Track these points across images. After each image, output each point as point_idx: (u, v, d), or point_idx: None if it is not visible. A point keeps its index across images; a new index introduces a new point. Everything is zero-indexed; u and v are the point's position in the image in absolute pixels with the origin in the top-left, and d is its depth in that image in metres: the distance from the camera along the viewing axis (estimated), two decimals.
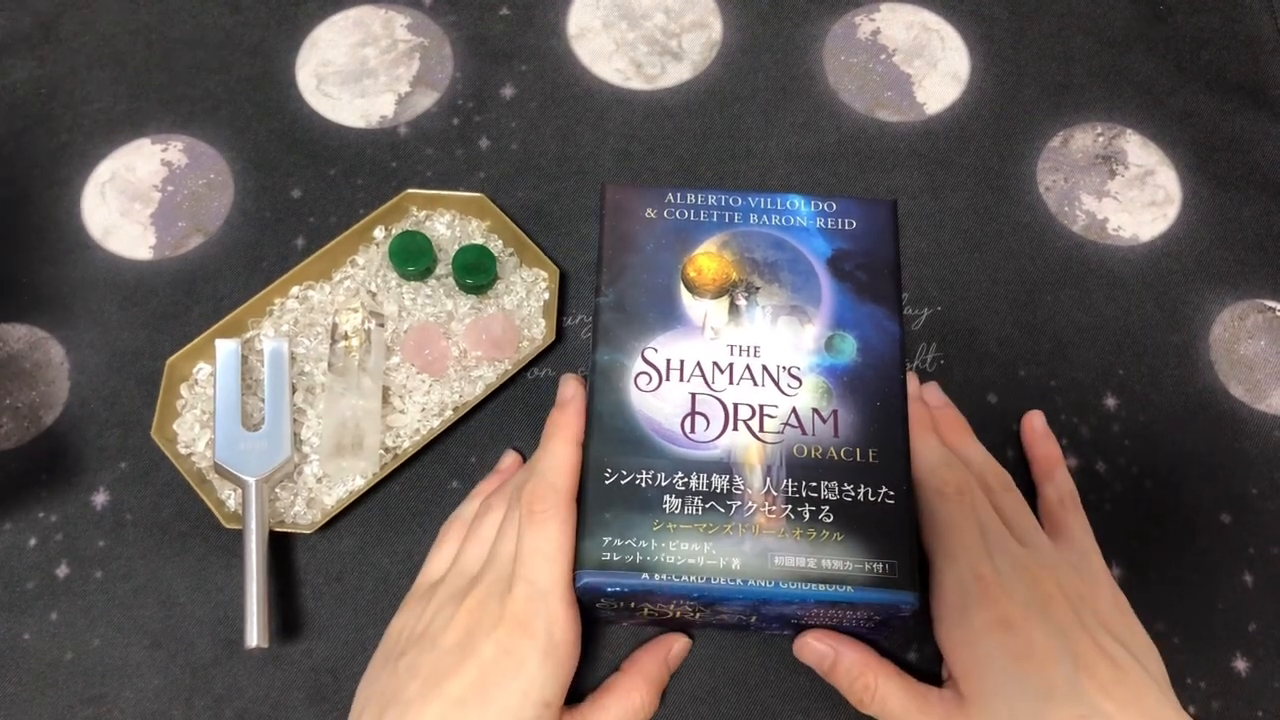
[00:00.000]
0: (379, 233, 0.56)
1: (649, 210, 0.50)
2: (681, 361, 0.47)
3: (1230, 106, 0.62)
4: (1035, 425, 0.52)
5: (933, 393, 0.52)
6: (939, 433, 0.48)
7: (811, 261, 0.49)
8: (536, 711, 0.39)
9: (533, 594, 0.40)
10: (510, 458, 0.51)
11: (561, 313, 0.55)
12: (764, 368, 0.47)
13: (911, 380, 0.50)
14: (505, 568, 0.41)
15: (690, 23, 0.64)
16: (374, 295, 0.54)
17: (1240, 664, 0.49)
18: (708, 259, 0.49)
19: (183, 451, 0.51)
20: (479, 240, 0.56)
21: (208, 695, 0.48)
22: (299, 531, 0.49)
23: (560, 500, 0.42)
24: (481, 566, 0.42)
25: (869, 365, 0.47)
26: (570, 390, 0.45)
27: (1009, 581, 0.40)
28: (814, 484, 0.44)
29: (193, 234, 0.57)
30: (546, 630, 0.39)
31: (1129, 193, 0.60)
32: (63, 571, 0.50)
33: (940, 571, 0.43)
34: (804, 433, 0.45)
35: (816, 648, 0.46)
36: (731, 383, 0.46)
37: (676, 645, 0.47)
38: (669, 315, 0.48)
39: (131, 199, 0.58)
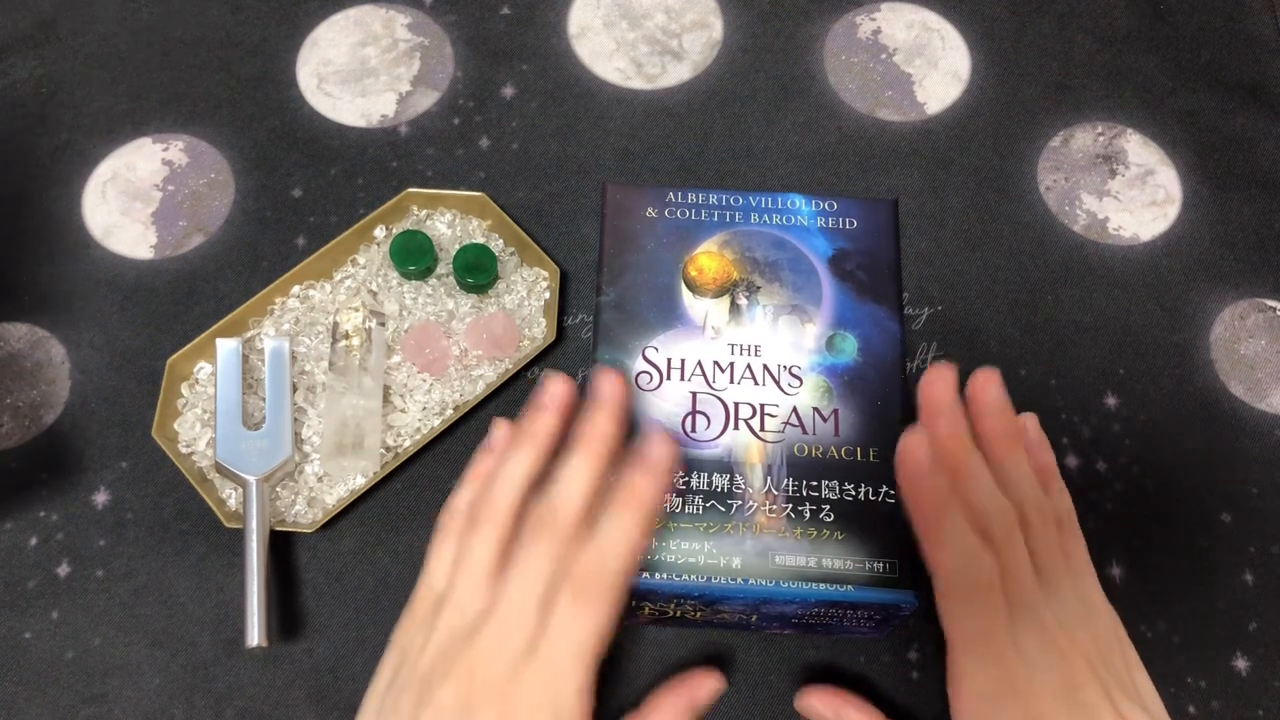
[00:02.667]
0: (380, 232, 0.56)
1: (650, 210, 0.50)
2: (682, 360, 0.47)
3: (1230, 106, 0.62)
4: (1029, 432, 0.46)
5: (990, 391, 0.43)
6: (984, 446, 0.42)
7: (812, 261, 0.49)
8: None
9: (549, 680, 0.35)
10: (501, 430, 0.43)
11: (562, 312, 0.55)
12: (765, 367, 0.47)
13: (940, 381, 0.41)
14: (519, 626, 0.36)
15: (691, 22, 0.64)
16: (375, 294, 0.54)
17: (1240, 663, 0.49)
18: (709, 258, 0.49)
19: (184, 451, 0.51)
20: (480, 239, 0.56)
21: (208, 694, 0.48)
22: (300, 531, 0.49)
23: (617, 586, 0.36)
24: (487, 605, 0.37)
25: (870, 364, 0.47)
26: (665, 453, 0.38)
27: (1039, 669, 0.38)
28: (814, 483, 0.44)
29: (194, 233, 0.57)
30: (554, 715, 0.35)
31: (1129, 192, 0.60)
32: (64, 570, 0.50)
33: (963, 668, 0.39)
34: (805, 432, 0.45)
35: (819, 712, 0.45)
36: (732, 382, 0.46)
37: (705, 688, 0.42)
38: (670, 314, 0.48)
39: (132, 198, 0.58)
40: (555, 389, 0.40)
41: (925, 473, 0.40)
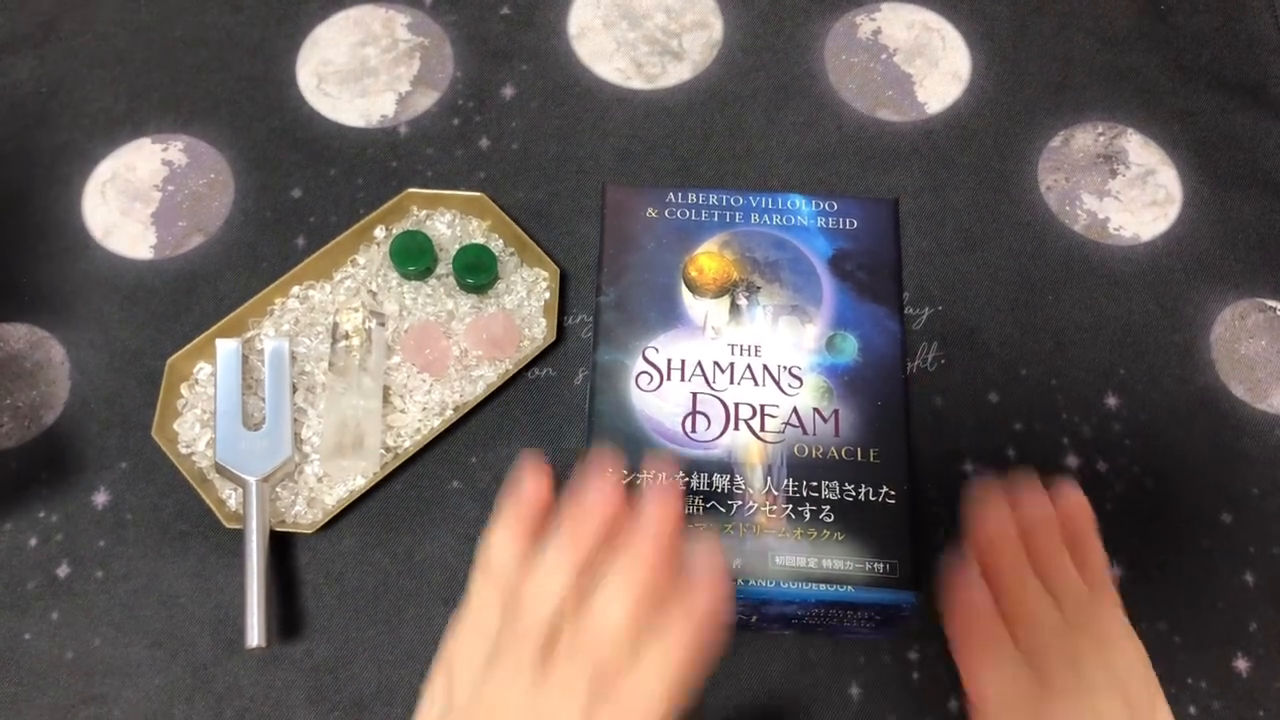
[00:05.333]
0: (380, 232, 0.56)
1: (650, 210, 0.50)
2: (682, 361, 0.47)
3: (1230, 106, 0.62)
4: (1070, 498, 0.44)
5: (1074, 495, 0.43)
6: (1029, 545, 0.42)
7: (812, 261, 0.49)
8: None
9: None
10: (534, 482, 0.38)
11: (562, 312, 0.55)
12: (765, 367, 0.47)
13: (996, 515, 0.42)
14: None
15: (691, 22, 0.64)
16: (375, 295, 0.54)
17: (1241, 663, 0.49)
18: (709, 258, 0.49)
19: (183, 451, 0.51)
20: (479, 240, 0.56)
21: (208, 694, 0.48)
22: (299, 531, 0.49)
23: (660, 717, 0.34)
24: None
25: (870, 365, 0.47)
26: (712, 559, 0.35)
27: None
28: (815, 484, 0.44)
29: (193, 233, 0.57)
30: None
31: (1130, 192, 0.60)
32: (63, 571, 0.50)
33: None
34: (805, 432, 0.45)
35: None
36: (732, 382, 0.46)
37: (524, 476, 0.38)
38: (670, 315, 0.48)
39: (132, 198, 0.58)
40: (603, 494, 0.37)
41: (980, 615, 0.40)
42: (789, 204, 0.51)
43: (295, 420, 0.51)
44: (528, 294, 0.55)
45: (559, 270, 0.55)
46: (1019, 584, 0.41)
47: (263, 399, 0.51)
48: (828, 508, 0.44)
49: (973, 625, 0.40)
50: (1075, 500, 0.44)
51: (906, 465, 0.45)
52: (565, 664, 0.35)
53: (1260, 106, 0.62)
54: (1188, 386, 0.55)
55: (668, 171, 0.59)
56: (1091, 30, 0.64)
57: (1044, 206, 0.59)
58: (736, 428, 0.45)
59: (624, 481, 0.37)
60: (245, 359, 0.52)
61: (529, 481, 0.38)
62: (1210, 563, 0.51)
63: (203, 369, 0.52)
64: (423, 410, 0.52)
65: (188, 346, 0.52)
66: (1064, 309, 0.56)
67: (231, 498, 0.50)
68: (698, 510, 0.44)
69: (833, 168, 0.60)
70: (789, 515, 0.44)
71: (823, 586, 0.42)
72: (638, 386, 0.46)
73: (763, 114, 0.61)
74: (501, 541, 0.38)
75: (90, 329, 0.55)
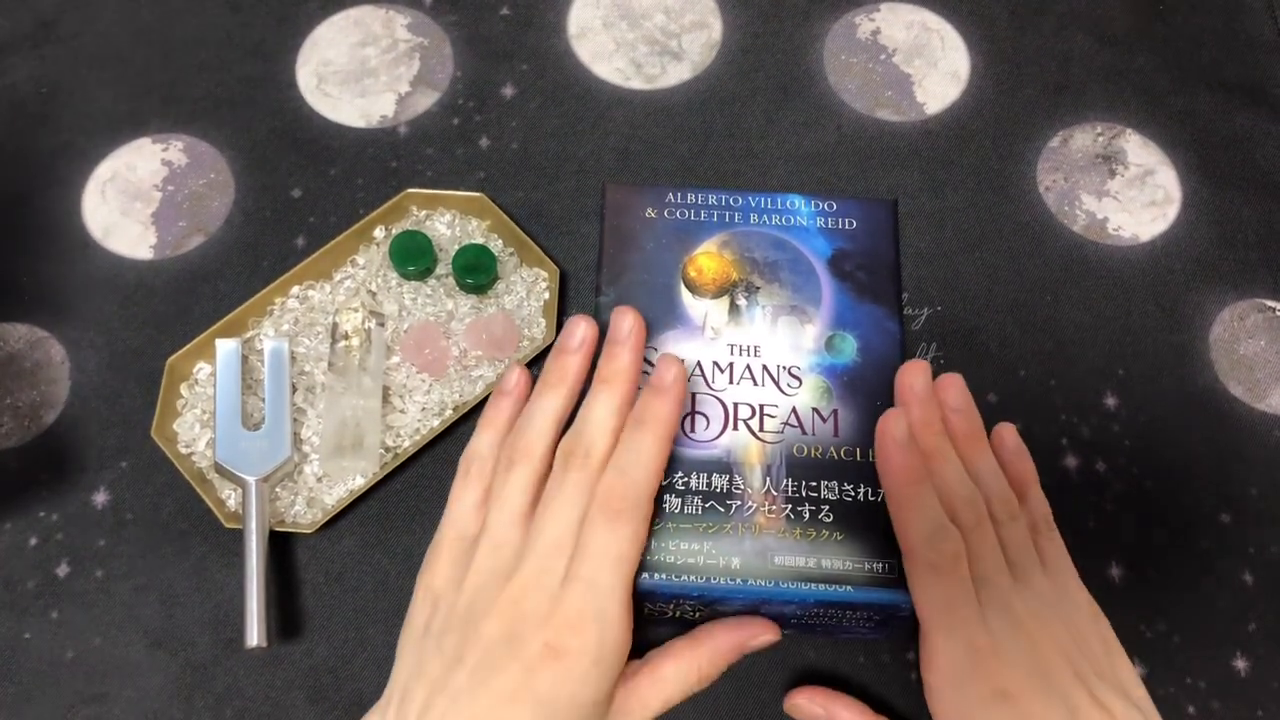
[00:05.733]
0: (379, 232, 0.56)
1: (649, 210, 0.50)
2: (682, 361, 0.47)
3: (1230, 106, 0.62)
4: (1007, 441, 0.47)
5: (953, 391, 0.45)
6: (954, 443, 0.44)
7: (812, 261, 0.49)
8: (585, 712, 0.37)
9: (590, 596, 0.37)
10: (516, 375, 0.45)
11: (562, 312, 0.55)
12: (764, 367, 0.47)
13: (916, 372, 0.44)
14: (557, 557, 0.38)
15: (690, 22, 0.64)
16: (374, 295, 0.54)
17: (1240, 663, 0.49)
18: (708, 259, 0.49)
19: (183, 451, 0.51)
20: (479, 240, 0.56)
21: (208, 694, 0.48)
22: (299, 531, 0.49)
23: (643, 501, 0.39)
24: (523, 542, 0.39)
25: (869, 365, 0.47)
26: (672, 374, 0.41)
27: (1006, 649, 0.38)
28: (814, 484, 0.44)
29: (193, 233, 0.58)
30: (599, 635, 0.37)
31: (1129, 192, 0.60)
32: (63, 571, 0.50)
33: (934, 643, 0.40)
34: (804, 432, 0.45)
35: (809, 710, 0.45)
36: (732, 382, 0.46)
37: (762, 636, 0.43)
38: (669, 315, 0.48)
39: (132, 198, 0.58)
40: (581, 332, 0.43)
41: (901, 447, 0.42)
42: (788, 204, 0.51)
43: (295, 420, 0.51)
44: (527, 294, 0.55)
45: (559, 270, 0.55)
46: (941, 456, 0.43)
47: (262, 399, 0.51)
48: (827, 508, 0.44)
49: (897, 463, 0.42)
50: (1013, 439, 0.47)
51: None
52: (562, 482, 0.40)
53: (1260, 106, 0.62)
54: (1187, 387, 0.55)
55: (667, 171, 0.60)
56: (1091, 30, 0.64)
57: (1043, 207, 0.59)
58: (735, 428, 0.45)
59: (593, 321, 0.43)
60: (245, 359, 0.52)
61: (510, 376, 0.45)
62: (1210, 563, 0.51)
63: (202, 369, 0.52)
64: (422, 410, 0.52)
65: (187, 346, 0.52)
66: (1063, 309, 0.56)
67: (231, 497, 0.50)
68: (697, 510, 0.44)
69: (832, 168, 0.60)
70: (788, 515, 0.44)
71: (822, 586, 0.42)
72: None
73: (762, 114, 0.61)
74: (481, 439, 0.44)
75: (90, 329, 0.55)
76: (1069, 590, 0.42)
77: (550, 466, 0.41)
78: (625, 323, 0.43)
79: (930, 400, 0.44)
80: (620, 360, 0.42)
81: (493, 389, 0.47)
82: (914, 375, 0.44)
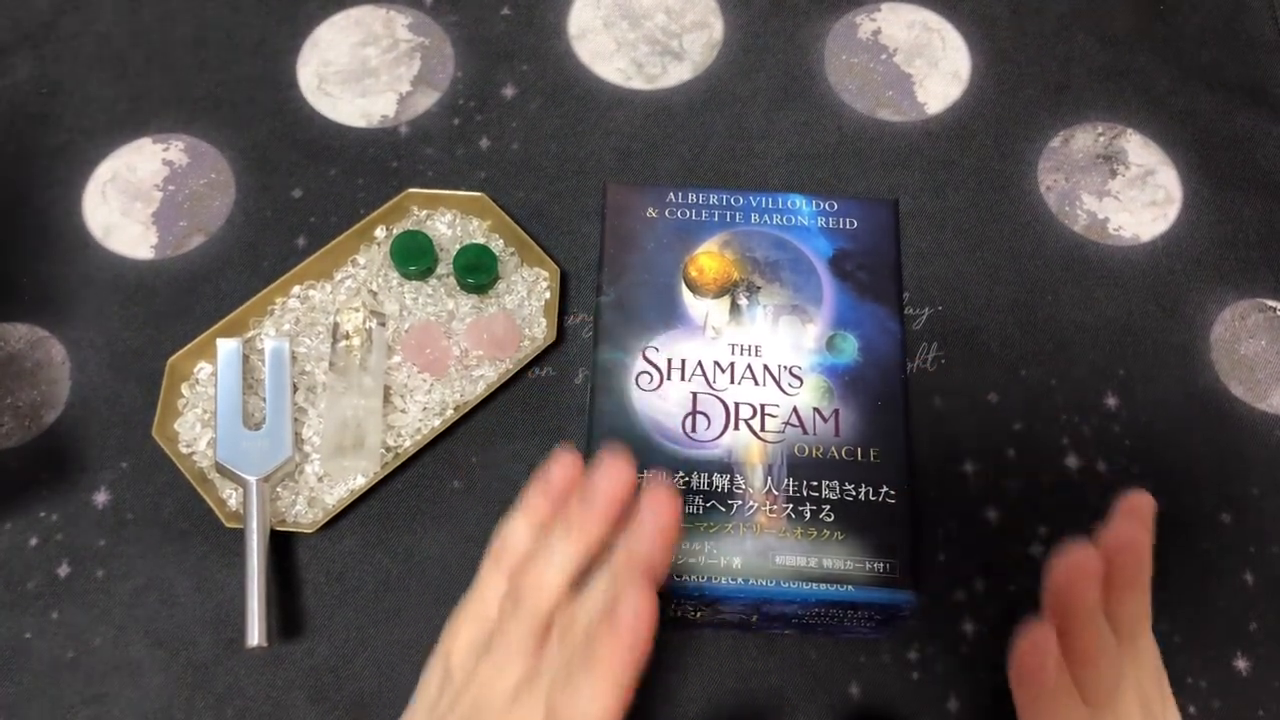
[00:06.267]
0: (380, 232, 0.56)
1: (650, 210, 0.50)
2: (683, 361, 0.47)
3: (1230, 106, 0.62)
4: (1141, 510, 0.39)
5: (1126, 524, 0.38)
6: (1110, 575, 0.38)
7: (813, 261, 0.49)
8: None
9: None
10: (564, 467, 0.38)
11: (563, 312, 0.55)
12: (765, 367, 0.47)
13: (1079, 568, 0.37)
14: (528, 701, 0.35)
15: (691, 22, 0.64)
16: (375, 295, 0.54)
17: (1241, 663, 0.49)
18: (709, 258, 0.49)
19: (184, 451, 0.51)
20: (480, 240, 0.56)
21: (209, 694, 0.48)
22: (300, 531, 0.49)
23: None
24: (509, 689, 0.36)
25: (870, 365, 0.47)
26: (634, 610, 0.34)
27: None
28: (815, 483, 0.44)
29: (194, 233, 0.58)
30: None
31: (1130, 192, 0.60)
32: (64, 571, 0.50)
33: None
34: (805, 432, 0.45)
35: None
36: (733, 382, 0.46)
37: (554, 462, 0.38)
38: (670, 314, 0.48)
39: (132, 198, 0.58)
40: (615, 485, 0.36)
41: (1047, 680, 0.38)
42: (789, 204, 0.51)
43: (296, 420, 0.51)
44: (528, 294, 0.55)
45: (559, 270, 0.55)
46: (1088, 623, 0.37)
47: (263, 399, 0.51)
48: (828, 507, 0.44)
49: (1041, 695, 0.38)
50: (1143, 515, 0.40)
51: (906, 465, 0.45)
52: (553, 651, 0.36)
53: (1260, 106, 0.62)
54: (1187, 387, 0.55)
55: (668, 171, 0.60)
56: (1091, 30, 0.64)
57: (1044, 207, 0.59)
58: (736, 427, 0.45)
59: (634, 469, 0.36)
60: (246, 359, 0.52)
61: (556, 468, 0.38)
62: (1210, 563, 0.51)
63: (203, 369, 0.52)
64: (423, 410, 0.52)
65: (188, 346, 0.52)
66: (1064, 309, 0.56)
67: (232, 497, 0.50)
68: (698, 510, 0.44)
69: (833, 168, 0.60)
70: (789, 515, 0.44)
71: (822, 586, 0.42)
72: (638, 386, 0.46)
73: (763, 114, 0.61)
74: (516, 528, 0.38)
75: (91, 329, 0.55)
76: (1145, 668, 0.40)
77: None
78: (656, 513, 0.35)
79: (1097, 609, 0.38)
80: (639, 550, 0.35)
81: (539, 473, 0.39)
82: (1078, 580, 0.37)
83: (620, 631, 0.34)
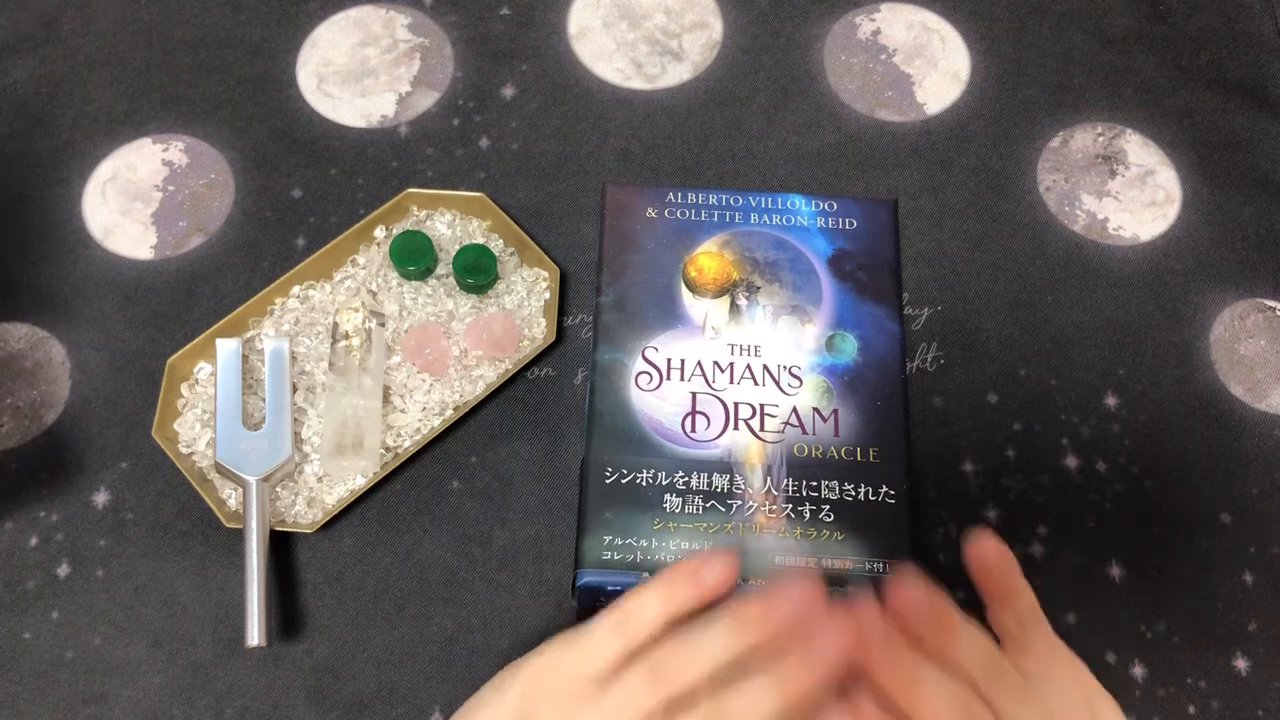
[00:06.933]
0: (380, 232, 0.56)
1: (650, 210, 0.50)
2: (682, 361, 0.47)
3: (1230, 106, 0.62)
4: (987, 555, 0.40)
5: (910, 592, 0.37)
6: (925, 639, 0.38)
7: (812, 261, 0.49)
8: None
9: None
10: (717, 574, 0.37)
11: (562, 312, 0.55)
12: (765, 367, 0.47)
13: (865, 612, 0.36)
14: None
15: (690, 23, 0.64)
16: (375, 295, 0.54)
17: (1240, 663, 0.49)
18: (709, 258, 0.49)
19: (184, 451, 0.51)
20: (479, 240, 0.56)
21: (208, 694, 0.48)
22: (300, 531, 0.49)
23: None
24: None
25: (869, 365, 0.47)
26: None
27: None
28: (814, 483, 0.44)
29: (193, 233, 0.58)
30: None
31: (1129, 192, 0.60)
32: (64, 570, 0.50)
33: None
34: (804, 432, 0.45)
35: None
36: (732, 382, 0.46)
37: (715, 561, 0.37)
38: (670, 314, 0.48)
39: (132, 198, 0.58)
40: (798, 603, 0.36)
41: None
42: (789, 204, 0.51)
43: (295, 420, 0.51)
44: (528, 294, 0.55)
45: (559, 270, 0.55)
46: (915, 679, 0.36)
47: (263, 399, 0.51)
48: (827, 507, 0.44)
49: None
50: (993, 550, 0.40)
51: (906, 465, 0.45)
52: None
53: (1260, 106, 0.62)
54: (1187, 387, 0.55)
55: (668, 171, 0.60)
56: (1091, 30, 0.64)
57: (1043, 207, 0.59)
58: (736, 427, 0.45)
59: (824, 601, 0.35)
60: (245, 359, 0.52)
61: (717, 567, 0.37)
62: (1209, 563, 0.51)
63: (203, 369, 0.52)
64: (423, 410, 0.52)
65: (188, 346, 0.52)
66: (1063, 309, 0.56)
67: (232, 497, 0.50)
68: (698, 510, 0.44)
69: (832, 168, 0.60)
70: (789, 515, 0.44)
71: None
72: (637, 386, 0.46)
73: (762, 114, 0.61)
74: (651, 600, 0.37)
75: (91, 329, 0.55)
76: (1057, 679, 0.39)
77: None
78: (828, 647, 0.35)
79: (885, 630, 0.37)
80: (798, 678, 0.35)
81: (694, 556, 0.40)
82: (864, 616, 0.37)
83: None
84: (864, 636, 0.36)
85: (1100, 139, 0.61)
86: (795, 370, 0.47)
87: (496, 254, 0.55)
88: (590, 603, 0.44)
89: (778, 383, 0.46)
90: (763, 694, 0.35)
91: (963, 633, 0.38)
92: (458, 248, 0.54)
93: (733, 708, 0.35)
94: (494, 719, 0.37)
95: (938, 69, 0.63)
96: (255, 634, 0.45)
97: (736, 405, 0.46)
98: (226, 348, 0.51)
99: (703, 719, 0.35)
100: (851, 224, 0.50)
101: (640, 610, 0.38)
